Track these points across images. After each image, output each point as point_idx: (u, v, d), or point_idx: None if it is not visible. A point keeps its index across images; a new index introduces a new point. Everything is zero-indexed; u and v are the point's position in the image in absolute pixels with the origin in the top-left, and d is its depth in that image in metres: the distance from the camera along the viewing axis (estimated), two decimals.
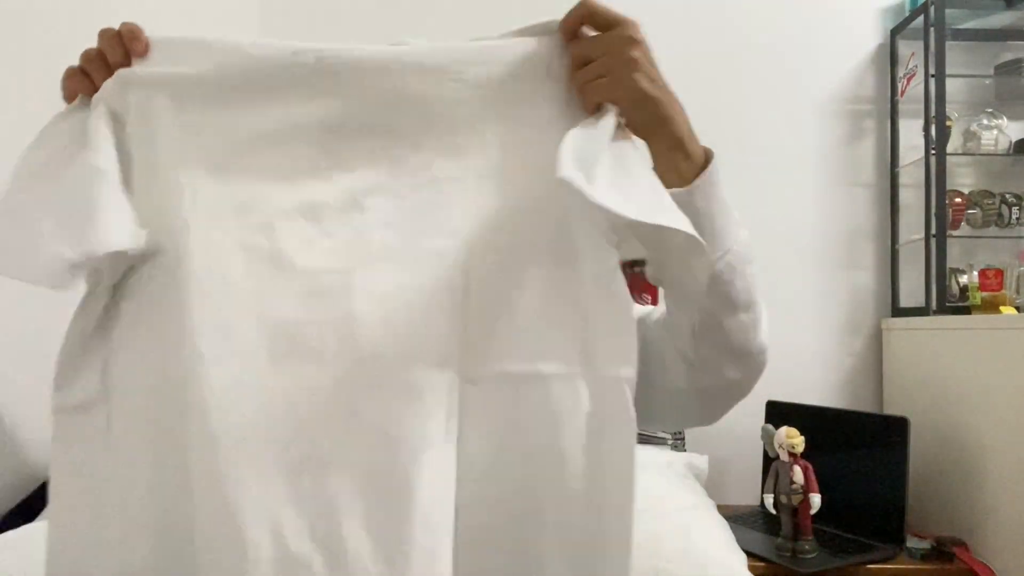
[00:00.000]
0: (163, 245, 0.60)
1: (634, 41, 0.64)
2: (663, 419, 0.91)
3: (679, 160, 0.66)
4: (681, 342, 0.74)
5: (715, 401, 0.79)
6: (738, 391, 0.77)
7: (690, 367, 0.75)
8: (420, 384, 0.58)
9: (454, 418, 0.59)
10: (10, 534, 0.86)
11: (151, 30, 0.64)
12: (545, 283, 0.61)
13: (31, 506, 0.95)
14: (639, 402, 0.85)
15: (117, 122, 0.62)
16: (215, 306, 0.59)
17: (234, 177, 0.62)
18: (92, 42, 0.65)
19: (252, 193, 0.62)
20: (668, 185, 0.63)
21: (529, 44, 0.65)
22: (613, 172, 0.58)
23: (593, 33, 0.65)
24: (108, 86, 0.62)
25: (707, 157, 0.68)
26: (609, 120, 0.62)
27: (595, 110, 0.63)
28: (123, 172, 0.60)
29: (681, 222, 0.56)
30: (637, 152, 0.63)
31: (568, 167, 0.55)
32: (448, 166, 0.63)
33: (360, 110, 0.64)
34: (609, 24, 0.64)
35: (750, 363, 0.74)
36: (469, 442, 0.59)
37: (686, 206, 0.61)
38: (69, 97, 0.65)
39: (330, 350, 0.59)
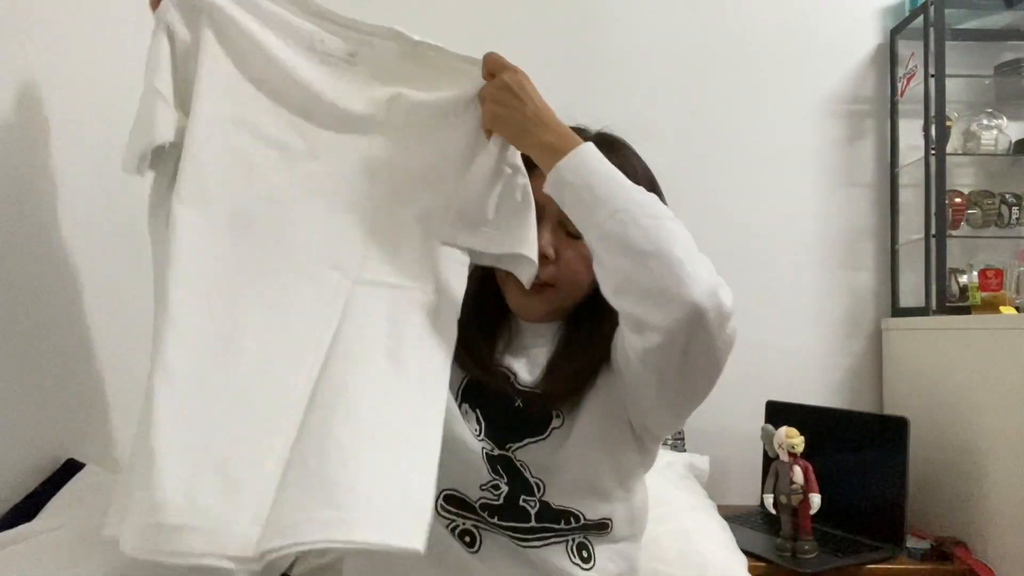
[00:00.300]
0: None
1: (500, 82, 0.89)
2: (666, 410, 0.94)
3: (548, 157, 0.86)
4: (620, 313, 0.84)
5: (671, 359, 0.82)
6: (683, 343, 0.79)
7: (634, 333, 0.83)
8: (321, 278, 0.85)
9: (340, 301, 0.84)
10: (9, 533, 0.86)
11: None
12: (418, 235, 0.91)
13: (30, 505, 0.95)
14: (649, 408, 0.89)
15: (171, 39, 0.87)
16: (202, 177, 0.83)
17: (238, 101, 0.88)
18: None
19: (245, 116, 0.88)
20: (547, 171, 0.86)
21: (463, 82, 0.92)
22: (494, 208, 0.92)
23: None
24: (163, 5, 0.86)
25: (584, 146, 0.86)
26: (495, 143, 0.91)
27: (489, 133, 0.92)
28: (174, 77, 0.87)
29: (518, 247, 0.92)
30: (512, 177, 0.94)
31: (457, 232, 0.92)
32: (382, 151, 0.93)
33: (335, 93, 0.92)
34: (495, 72, 0.90)
35: (679, 305, 0.76)
36: (347, 319, 0.83)
37: (558, 181, 0.85)
38: (151, 5, 0.88)
39: (270, 237, 0.85)
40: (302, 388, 0.77)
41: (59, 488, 0.99)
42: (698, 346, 0.79)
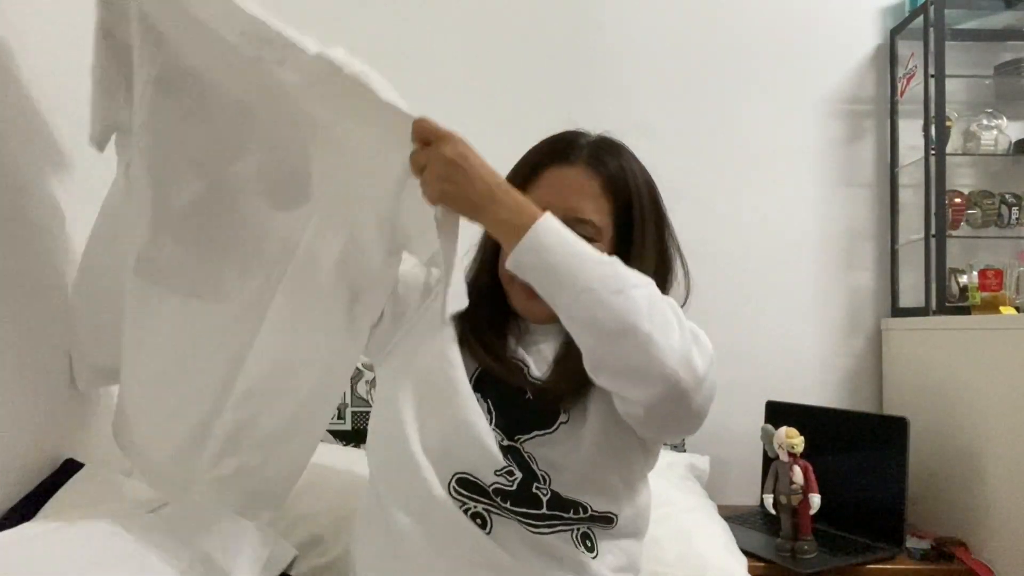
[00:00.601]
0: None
1: (443, 157, 0.82)
2: (657, 441, 1.00)
3: (506, 237, 0.84)
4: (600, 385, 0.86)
5: (651, 422, 0.88)
6: (662, 412, 0.82)
7: (617, 400, 0.85)
8: (254, 277, 0.96)
9: (263, 304, 0.96)
10: (8, 533, 0.85)
11: None
12: (342, 242, 0.97)
13: (30, 504, 0.95)
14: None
15: (108, 35, 0.93)
16: (155, 172, 0.92)
17: (184, 93, 0.90)
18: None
19: (191, 110, 0.91)
20: (507, 250, 0.84)
21: (389, 127, 0.85)
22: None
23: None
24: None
25: (542, 220, 0.83)
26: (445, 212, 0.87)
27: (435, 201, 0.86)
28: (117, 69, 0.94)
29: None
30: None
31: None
32: (316, 157, 0.94)
33: (268, 97, 0.90)
34: (429, 140, 0.84)
35: (653, 382, 0.79)
36: (267, 325, 0.97)
37: (519, 264, 0.83)
38: None
39: (219, 231, 0.95)
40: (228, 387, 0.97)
41: (59, 488, 0.99)
42: (678, 412, 0.82)
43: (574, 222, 0.96)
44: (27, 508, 0.95)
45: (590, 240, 0.97)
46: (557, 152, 1.01)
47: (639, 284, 0.81)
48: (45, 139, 1.06)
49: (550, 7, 2.20)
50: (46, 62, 1.06)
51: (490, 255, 1.05)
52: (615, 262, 0.83)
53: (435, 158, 0.83)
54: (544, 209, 0.97)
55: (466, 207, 0.85)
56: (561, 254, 0.82)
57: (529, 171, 1.01)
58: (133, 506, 0.95)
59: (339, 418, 1.82)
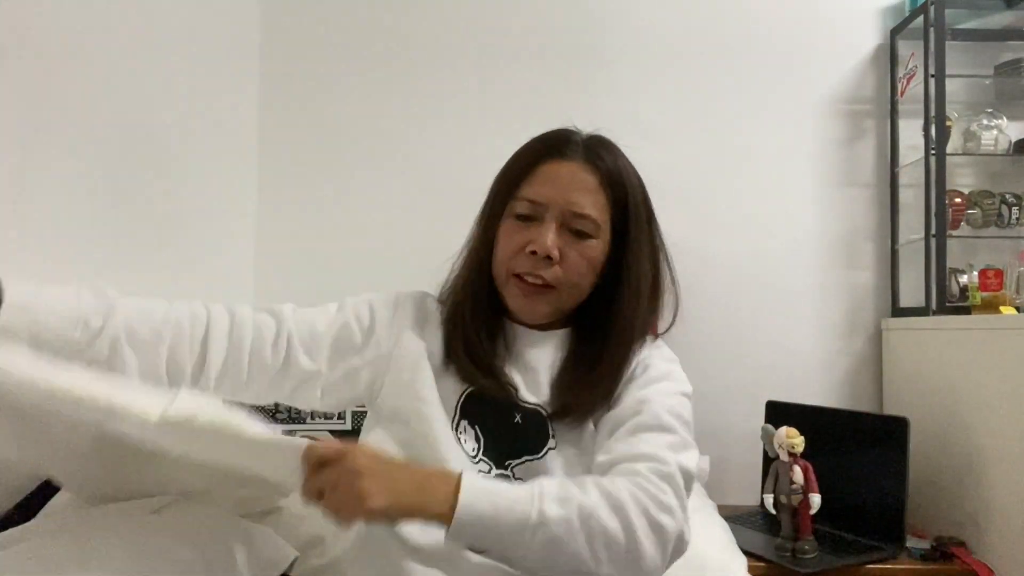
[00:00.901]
0: None
1: (350, 470, 0.73)
2: None
3: (442, 522, 0.75)
4: None
5: None
6: None
7: None
8: None
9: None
10: (8, 533, 0.86)
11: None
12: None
13: (30, 505, 0.95)
14: None
15: None
16: None
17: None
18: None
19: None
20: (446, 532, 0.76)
21: (287, 456, 0.76)
22: None
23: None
24: None
25: (459, 511, 0.75)
26: None
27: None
28: None
29: None
30: None
31: None
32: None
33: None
34: (322, 466, 0.74)
35: None
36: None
37: (455, 543, 0.77)
38: None
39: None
40: None
41: (59, 488, 0.99)
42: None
43: (573, 217, 0.96)
44: (27, 508, 0.95)
45: (588, 236, 0.96)
46: (552, 148, 0.99)
47: (570, 534, 0.77)
48: (46, 141, 1.05)
49: (549, 7, 2.20)
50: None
51: (484, 254, 1.02)
52: (541, 520, 0.76)
53: (344, 474, 0.73)
54: (544, 201, 0.96)
55: (403, 514, 0.76)
56: (490, 529, 0.77)
57: (524, 167, 1.00)
58: (134, 506, 0.95)
59: (339, 418, 1.82)
